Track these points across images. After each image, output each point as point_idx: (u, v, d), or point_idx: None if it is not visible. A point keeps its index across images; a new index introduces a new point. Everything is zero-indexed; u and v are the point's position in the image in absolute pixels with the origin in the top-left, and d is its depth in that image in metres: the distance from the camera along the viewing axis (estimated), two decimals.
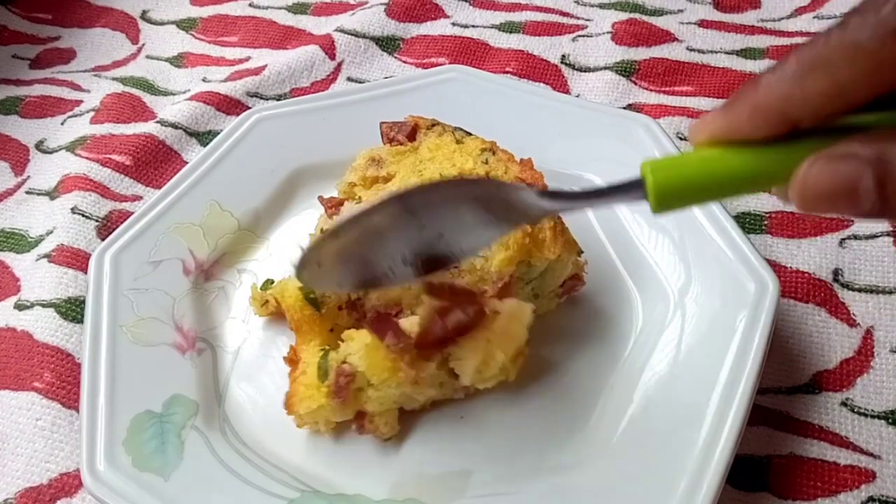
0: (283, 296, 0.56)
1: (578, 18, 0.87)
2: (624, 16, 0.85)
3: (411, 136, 0.61)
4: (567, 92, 0.78)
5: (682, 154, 0.40)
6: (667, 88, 0.78)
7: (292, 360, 0.55)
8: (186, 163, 0.74)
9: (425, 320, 0.49)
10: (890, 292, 0.60)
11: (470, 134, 0.61)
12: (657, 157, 0.39)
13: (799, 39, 0.81)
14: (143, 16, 0.94)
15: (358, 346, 0.50)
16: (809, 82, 0.36)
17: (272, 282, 0.59)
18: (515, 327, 0.51)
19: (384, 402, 0.51)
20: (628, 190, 0.39)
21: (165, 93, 0.83)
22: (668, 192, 0.38)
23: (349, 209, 0.57)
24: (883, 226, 0.64)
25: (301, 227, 0.65)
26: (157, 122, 0.77)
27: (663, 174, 0.37)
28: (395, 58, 0.84)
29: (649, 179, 0.37)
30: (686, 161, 0.39)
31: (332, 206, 0.58)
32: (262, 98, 0.80)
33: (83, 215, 0.68)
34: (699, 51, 0.81)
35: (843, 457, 0.53)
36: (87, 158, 0.74)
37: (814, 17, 0.84)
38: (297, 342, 0.58)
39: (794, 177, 0.36)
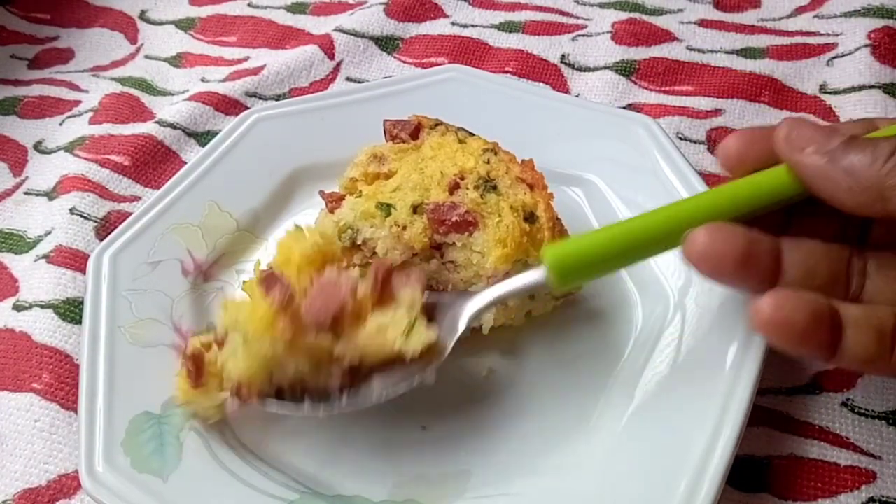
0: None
1: (578, 18, 0.86)
2: (624, 15, 0.85)
3: (414, 134, 0.62)
4: (567, 92, 0.78)
5: (574, 239, 0.49)
6: (667, 88, 0.78)
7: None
8: (185, 163, 0.74)
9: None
10: None
11: (473, 134, 0.61)
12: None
13: (799, 39, 0.81)
14: (142, 16, 0.94)
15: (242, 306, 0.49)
16: None
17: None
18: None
19: (253, 363, 0.48)
20: (530, 280, 0.48)
21: (164, 93, 0.83)
22: (568, 273, 0.46)
23: (351, 203, 0.57)
24: None
25: None
26: (156, 122, 0.77)
27: (563, 257, 0.46)
28: (395, 57, 0.84)
29: (548, 264, 0.46)
30: (580, 243, 0.47)
31: (333, 200, 0.59)
32: (260, 98, 0.80)
33: (82, 216, 0.68)
34: (699, 50, 0.81)
35: (844, 457, 0.52)
36: (85, 159, 0.74)
37: (814, 17, 0.83)
38: None
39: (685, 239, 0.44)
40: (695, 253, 0.43)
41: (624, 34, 0.82)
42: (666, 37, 0.83)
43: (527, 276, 0.49)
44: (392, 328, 0.50)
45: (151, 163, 0.74)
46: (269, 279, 0.50)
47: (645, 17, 0.85)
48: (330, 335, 0.50)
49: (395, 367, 0.51)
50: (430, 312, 0.51)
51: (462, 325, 0.51)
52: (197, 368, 0.50)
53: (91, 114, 0.80)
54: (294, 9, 0.92)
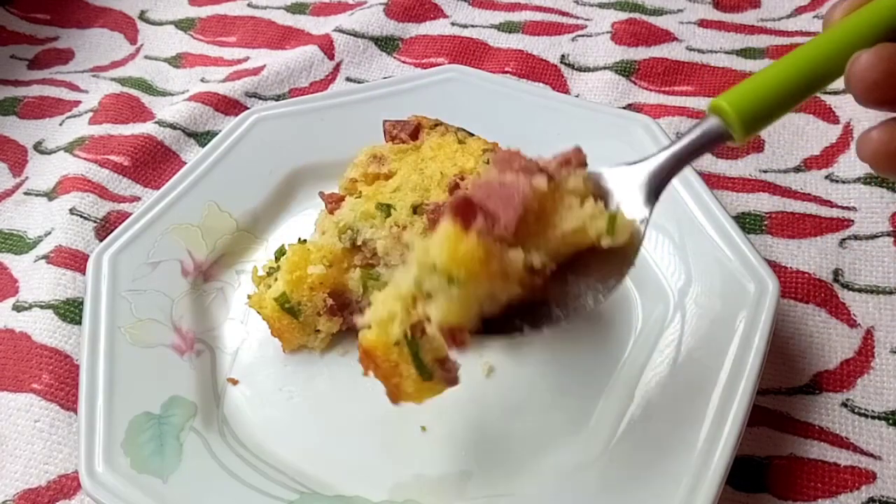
0: (260, 307, 0.56)
1: (578, 18, 0.86)
2: (623, 15, 0.85)
3: (414, 134, 0.62)
4: (567, 92, 0.78)
5: (743, 84, 0.42)
6: (666, 88, 0.78)
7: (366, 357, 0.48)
8: (185, 163, 0.74)
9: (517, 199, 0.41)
10: (890, 292, 0.60)
11: (472, 135, 0.61)
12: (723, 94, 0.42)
13: (799, 39, 0.81)
14: (142, 16, 0.94)
15: (436, 242, 0.41)
16: None
17: (284, 251, 0.58)
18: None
19: (466, 306, 0.41)
20: (709, 133, 0.42)
21: (164, 93, 0.83)
22: (751, 116, 0.41)
23: (351, 204, 0.54)
24: (883, 226, 0.64)
25: (300, 227, 0.65)
26: (156, 122, 0.77)
27: (742, 102, 0.41)
28: (394, 58, 0.84)
29: (729, 112, 0.40)
30: (753, 84, 0.41)
31: (333, 201, 0.59)
32: (260, 98, 0.80)
33: (81, 216, 0.68)
34: (699, 50, 0.81)
35: (844, 457, 0.52)
36: (85, 159, 0.74)
37: (814, 17, 0.84)
38: (283, 348, 0.58)
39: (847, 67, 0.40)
40: (858, 77, 0.40)
41: (624, 34, 0.83)
42: (666, 37, 0.83)
43: (705, 132, 0.42)
44: (591, 224, 0.43)
45: (151, 163, 0.74)
46: (464, 207, 0.41)
47: (645, 18, 0.85)
48: (520, 247, 0.42)
49: (589, 264, 0.44)
50: (599, 194, 0.45)
51: (649, 207, 0.44)
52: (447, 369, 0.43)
53: (91, 114, 0.80)
54: (294, 9, 0.92)
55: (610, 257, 0.44)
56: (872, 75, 0.39)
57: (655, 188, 0.44)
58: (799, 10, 0.85)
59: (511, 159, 0.44)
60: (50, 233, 0.68)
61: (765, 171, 0.69)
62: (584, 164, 0.45)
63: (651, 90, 0.78)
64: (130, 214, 0.64)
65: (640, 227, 0.44)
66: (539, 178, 0.42)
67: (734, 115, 0.41)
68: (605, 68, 0.80)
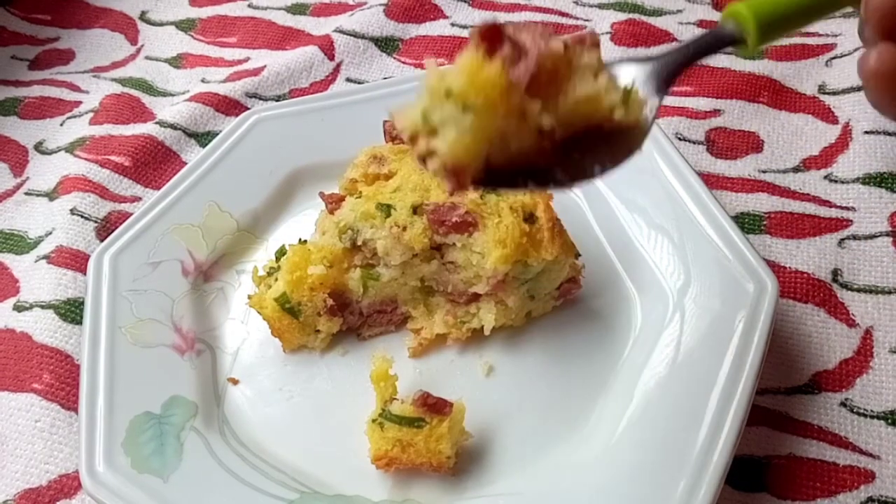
0: (260, 307, 0.57)
1: (577, 19, 0.87)
2: (623, 16, 0.85)
3: None
4: None
5: None
6: None
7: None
8: (185, 163, 0.74)
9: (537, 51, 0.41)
10: (889, 292, 0.60)
11: None
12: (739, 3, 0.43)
13: (798, 39, 0.81)
14: (142, 16, 0.94)
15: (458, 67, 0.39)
16: None
17: (284, 251, 0.59)
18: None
19: (476, 140, 0.39)
20: (721, 35, 0.43)
21: (164, 93, 0.83)
22: (767, 22, 0.42)
23: (351, 204, 0.55)
24: (882, 226, 0.64)
25: (300, 227, 0.65)
26: (157, 122, 0.77)
27: (760, 7, 0.42)
28: (394, 58, 0.84)
29: (746, 16, 0.42)
30: None
31: (333, 201, 0.59)
32: (261, 99, 0.80)
33: (82, 216, 0.68)
34: None
35: (843, 457, 0.52)
36: (86, 159, 0.74)
37: None
38: (284, 348, 0.58)
39: None
40: (870, 71, 0.42)
41: (623, 35, 0.83)
42: (665, 37, 0.83)
43: (717, 33, 0.44)
44: (605, 95, 0.42)
45: (152, 163, 0.75)
46: (492, 32, 0.40)
47: (644, 18, 0.85)
48: (537, 103, 0.40)
49: (597, 145, 0.43)
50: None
51: (659, 96, 0.44)
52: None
53: (91, 114, 0.80)
54: (294, 10, 0.92)
55: (617, 141, 0.43)
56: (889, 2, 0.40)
57: (665, 79, 0.44)
58: None
59: (528, 26, 0.44)
60: (51, 233, 0.68)
61: (764, 172, 0.69)
62: (597, 44, 0.44)
63: None
64: (131, 214, 0.64)
65: (648, 115, 0.44)
66: (555, 41, 0.42)
67: (751, 18, 0.42)
68: None
